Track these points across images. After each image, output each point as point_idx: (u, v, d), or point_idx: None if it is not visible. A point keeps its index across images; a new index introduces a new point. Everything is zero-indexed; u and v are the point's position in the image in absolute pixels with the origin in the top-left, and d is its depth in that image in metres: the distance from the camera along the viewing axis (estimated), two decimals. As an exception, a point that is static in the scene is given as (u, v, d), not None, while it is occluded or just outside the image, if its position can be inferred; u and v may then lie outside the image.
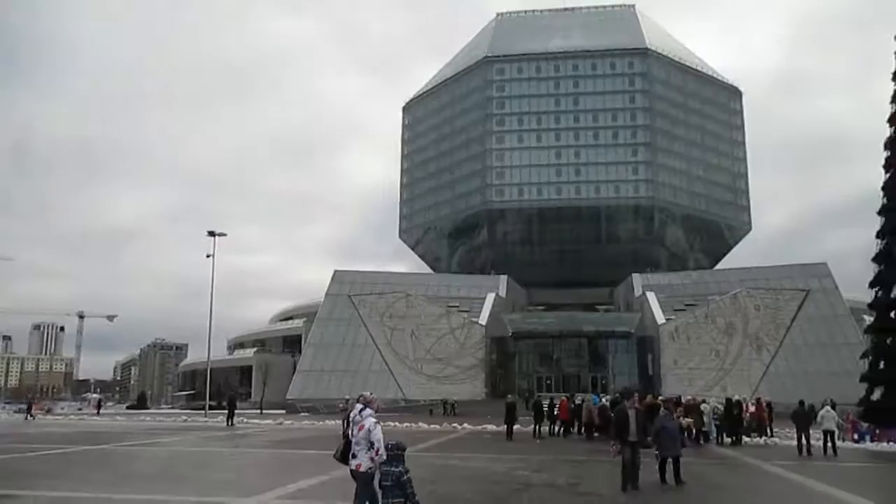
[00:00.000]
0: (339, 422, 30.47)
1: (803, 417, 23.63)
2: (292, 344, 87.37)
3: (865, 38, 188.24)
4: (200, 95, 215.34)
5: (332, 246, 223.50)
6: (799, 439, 23.20)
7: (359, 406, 8.85)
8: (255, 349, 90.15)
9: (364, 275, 75.91)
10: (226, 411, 40.94)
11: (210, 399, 57.84)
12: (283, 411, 58.87)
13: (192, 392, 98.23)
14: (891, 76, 32.03)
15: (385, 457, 8.37)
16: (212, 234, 52.29)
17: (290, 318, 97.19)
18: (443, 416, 47.43)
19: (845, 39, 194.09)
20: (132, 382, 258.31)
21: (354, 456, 8.57)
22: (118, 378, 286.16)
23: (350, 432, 8.74)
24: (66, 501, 12.44)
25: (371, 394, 9.31)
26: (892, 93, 31.87)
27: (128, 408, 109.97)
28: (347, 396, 32.78)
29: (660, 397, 33.85)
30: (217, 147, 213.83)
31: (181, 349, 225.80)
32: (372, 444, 8.38)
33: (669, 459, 14.54)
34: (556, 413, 31.74)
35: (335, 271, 74.24)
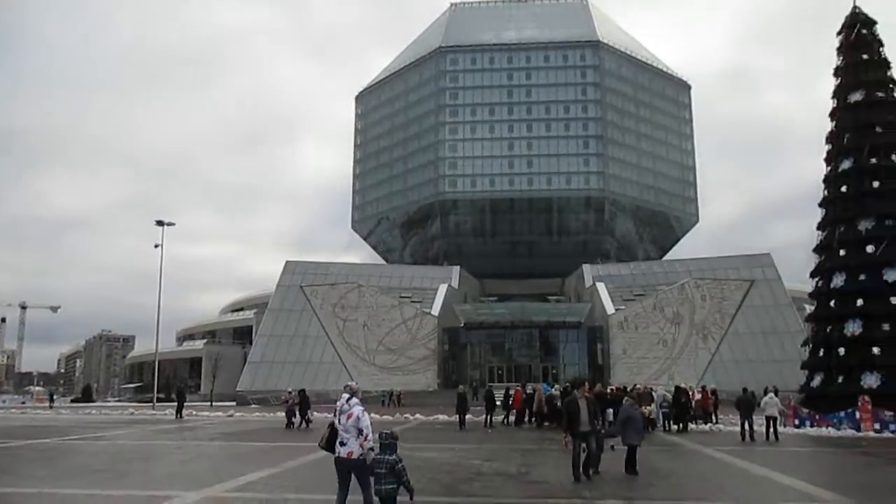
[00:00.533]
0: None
1: (747, 404, 24.27)
2: (243, 335, 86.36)
3: (810, 35, 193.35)
4: (148, 82, 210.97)
5: (285, 236, 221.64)
6: (742, 425, 23.81)
7: (346, 395, 9.02)
8: (204, 341, 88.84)
9: (316, 265, 75.28)
10: (174, 404, 40.27)
11: (158, 392, 56.80)
12: (234, 403, 58.11)
13: (139, 385, 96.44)
14: (832, 72, 32.89)
15: (372, 443, 8.60)
16: (160, 223, 51.27)
17: (241, 309, 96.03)
18: (387, 408, 47.38)
19: (791, 36, 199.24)
20: (77, 375, 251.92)
21: (343, 444, 8.73)
22: (62, 370, 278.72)
23: (337, 421, 8.88)
24: (7, 498, 12.06)
25: (356, 383, 9.49)
26: (833, 88, 32.72)
27: (72, 401, 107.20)
28: (290, 389, 32.59)
29: (609, 387, 34.48)
30: (166, 135, 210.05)
31: (128, 341, 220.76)
32: (361, 431, 8.60)
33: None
34: (510, 402, 31.97)
35: (287, 262, 73.47)
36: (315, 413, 41.37)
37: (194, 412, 42.96)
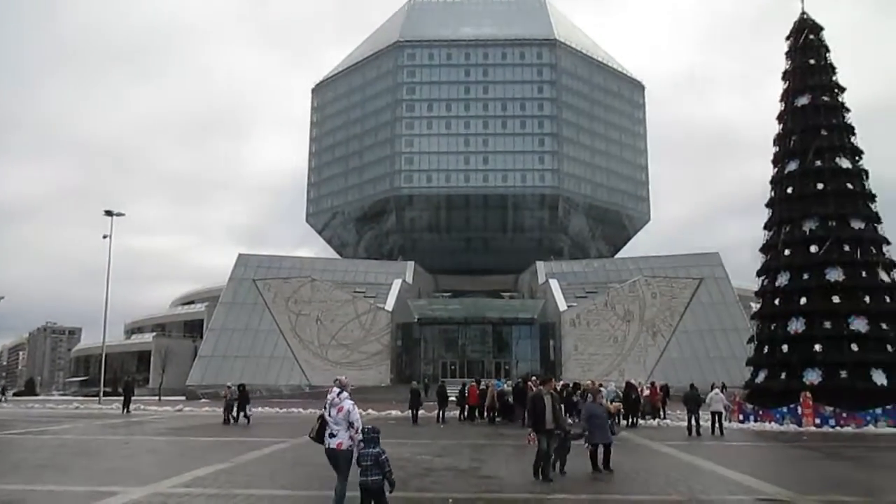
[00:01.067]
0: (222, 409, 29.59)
1: (693, 400, 24.80)
2: (193, 329, 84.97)
3: (761, 40, 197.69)
4: (98, 69, 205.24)
5: (238, 229, 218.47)
6: (689, 421, 24.30)
7: (336, 389, 9.47)
8: (154, 334, 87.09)
9: (269, 259, 74.49)
10: (121, 398, 39.47)
11: (105, 385, 55.54)
12: (183, 398, 57.18)
13: (85, 378, 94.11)
14: (781, 76, 33.71)
15: (362, 436, 9.01)
16: (109, 213, 50.14)
17: (192, 302, 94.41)
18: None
19: (742, 41, 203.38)
20: (20, 368, 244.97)
21: (333, 436, 9.22)
22: (4, 363, 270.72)
23: (328, 413, 9.30)
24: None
25: (345, 378, 10.04)
26: (781, 91, 33.54)
27: (15, 394, 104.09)
28: (230, 384, 32.10)
29: (560, 382, 34.87)
30: (116, 123, 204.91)
31: (74, 333, 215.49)
32: (351, 423, 9.13)
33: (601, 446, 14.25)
34: (465, 398, 32.04)
35: (239, 255, 72.51)
36: (266, 408, 41.23)
37: (142, 406, 42.13)
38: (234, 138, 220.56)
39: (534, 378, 34.49)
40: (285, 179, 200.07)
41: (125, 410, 37.11)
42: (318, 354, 64.13)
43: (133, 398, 40.03)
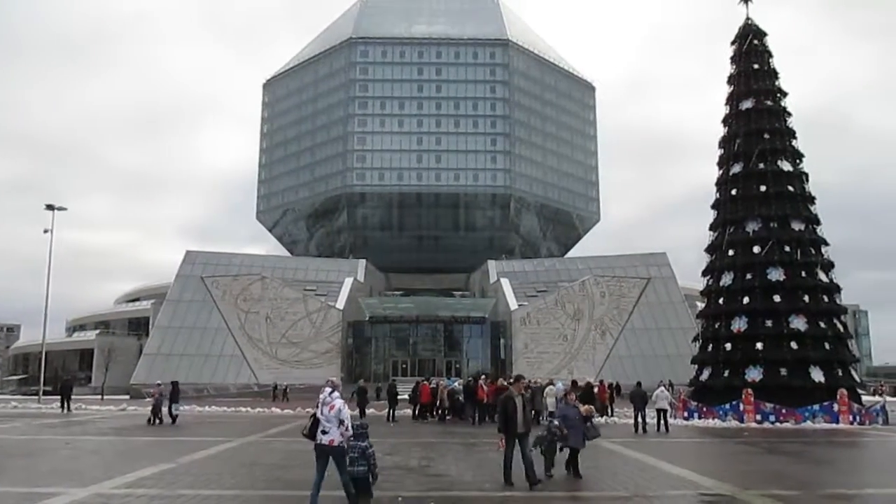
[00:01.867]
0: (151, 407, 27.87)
1: (640, 397, 25.23)
2: (139, 327, 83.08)
3: (707, 45, 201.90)
4: (42, 59, 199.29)
5: (187, 225, 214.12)
6: (636, 418, 24.71)
7: (328, 389, 10.06)
8: (97, 332, 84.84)
9: (218, 256, 73.31)
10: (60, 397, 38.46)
11: (45, 384, 53.97)
12: (127, 397, 55.87)
13: (24, 376, 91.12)
14: (726, 80, 34.50)
15: (352, 433, 9.84)
16: (50, 207, 48.60)
17: (137, 299, 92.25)
18: (273, 402, 46.72)
19: (690, 46, 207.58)
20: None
21: (325, 432, 9.80)
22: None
23: (320, 412, 9.93)
24: None
25: (337, 378, 10.73)
26: (726, 95, 34.33)
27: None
28: (159, 382, 31.50)
29: (509, 380, 35.11)
30: (60, 115, 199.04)
31: (13, 330, 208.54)
32: (342, 421, 9.76)
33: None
34: (418, 396, 31.94)
35: (187, 251, 71.22)
36: (214, 407, 40.54)
37: (84, 406, 41.03)
38: (184, 133, 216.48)
39: (484, 377, 34.70)
40: (236, 176, 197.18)
41: (64, 409, 36.12)
42: (267, 353, 63.43)
43: (74, 397, 39.04)
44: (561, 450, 13.47)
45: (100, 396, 58.50)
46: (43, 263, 49.24)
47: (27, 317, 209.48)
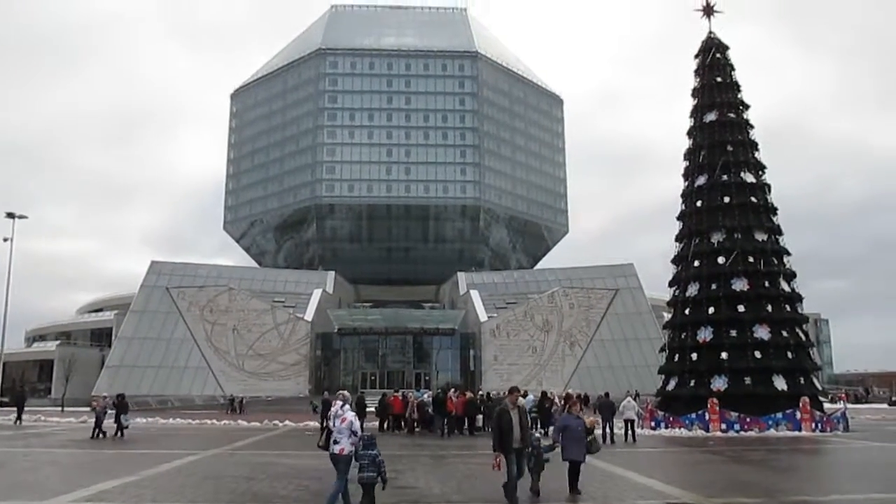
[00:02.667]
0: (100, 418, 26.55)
1: (607, 408, 25.37)
2: (101, 337, 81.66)
3: (672, 60, 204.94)
4: (5, 62, 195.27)
5: (154, 236, 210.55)
6: (604, 428, 24.81)
7: (339, 402, 11.11)
8: (58, 342, 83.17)
9: (184, 266, 72.47)
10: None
11: (3, 395, 52.76)
12: (88, 409, 54.75)
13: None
14: (690, 93, 35.02)
15: (361, 443, 10.65)
16: (10, 215, 47.75)
17: (100, 309, 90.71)
18: (228, 415, 46.22)
19: (654, 60, 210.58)
20: None
21: (336, 442, 10.60)
22: None
23: (332, 424, 10.85)
24: None
25: (347, 393, 11.80)
26: (691, 108, 34.83)
27: None
28: (105, 394, 31.24)
29: (479, 392, 35.16)
30: (22, 120, 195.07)
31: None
32: (354, 433, 10.59)
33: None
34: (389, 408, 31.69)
35: (152, 262, 70.28)
36: (178, 419, 39.91)
37: (42, 417, 40.23)
38: (152, 141, 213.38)
39: (453, 389, 34.60)
40: (205, 186, 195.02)
41: (18, 421, 35.21)
42: (234, 365, 62.76)
43: (33, 409, 38.33)
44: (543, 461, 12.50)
45: (60, 408, 57.35)
46: (1, 272, 48.09)
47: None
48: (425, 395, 32.50)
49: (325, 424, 28.74)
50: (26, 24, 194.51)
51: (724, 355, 29.87)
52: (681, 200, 34.51)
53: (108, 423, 26.78)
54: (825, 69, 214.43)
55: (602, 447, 12.61)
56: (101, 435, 25.87)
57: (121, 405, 27.09)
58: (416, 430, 29.65)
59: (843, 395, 55.18)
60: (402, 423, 30.69)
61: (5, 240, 47.63)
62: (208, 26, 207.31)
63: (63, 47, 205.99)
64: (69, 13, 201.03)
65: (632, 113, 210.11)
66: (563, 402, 29.65)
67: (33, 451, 22.30)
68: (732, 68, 34.44)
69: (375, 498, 10.64)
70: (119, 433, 26.31)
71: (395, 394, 32.97)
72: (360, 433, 10.67)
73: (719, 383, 29.46)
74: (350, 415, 10.73)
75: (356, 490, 10.68)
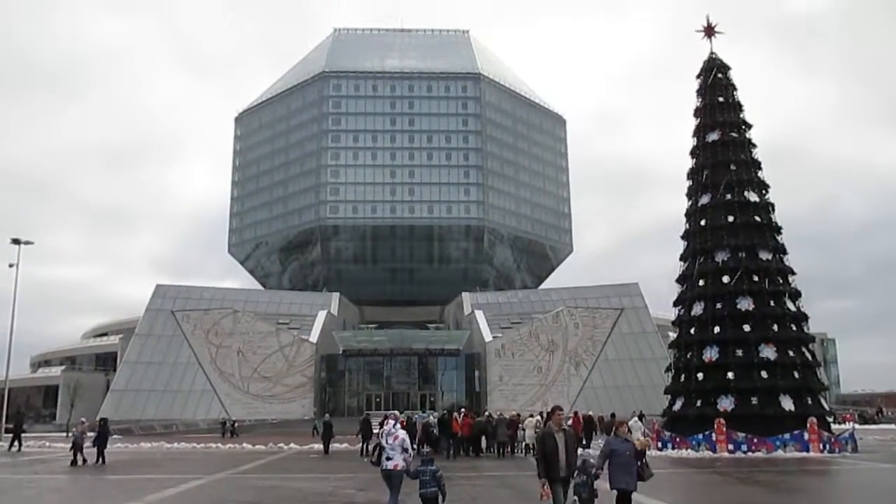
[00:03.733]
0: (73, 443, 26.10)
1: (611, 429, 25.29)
2: (106, 362, 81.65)
3: (670, 81, 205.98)
4: (13, 93, 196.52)
5: (159, 260, 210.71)
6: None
7: (391, 422, 11.89)
8: (63, 367, 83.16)
9: (189, 289, 72.47)
10: (23, 433, 37.42)
11: (7, 422, 52.65)
12: (93, 434, 54.61)
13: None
14: (693, 112, 35.15)
15: (419, 458, 11.61)
16: (16, 241, 47.96)
17: (105, 334, 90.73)
18: (221, 438, 46.06)
19: (657, 81, 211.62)
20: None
21: (389, 458, 11.32)
22: None
23: (384, 441, 11.54)
24: None
25: (401, 413, 14.62)
26: (693, 128, 34.95)
27: None
28: (83, 419, 30.26)
29: (485, 412, 35.02)
30: (29, 148, 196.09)
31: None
32: (405, 449, 11.32)
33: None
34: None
35: (157, 285, 70.34)
36: (183, 444, 39.79)
37: (48, 443, 40.14)
38: (158, 167, 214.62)
39: (462, 409, 34.46)
40: (210, 210, 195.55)
41: (14, 447, 34.52)
42: (239, 388, 62.62)
43: (38, 434, 37.97)
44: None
45: (65, 434, 57.23)
46: (6, 299, 48.24)
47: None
48: (431, 416, 32.39)
49: (364, 442, 28.93)
50: (32, 58, 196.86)
51: (730, 375, 29.70)
52: (685, 219, 34.52)
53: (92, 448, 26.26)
54: (824, 90, 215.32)
55: (649, 476, 10.83)
56: (81, 461, 25.30)
57: (102, 431, 26.42)
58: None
59: (848, 416, 54.60)
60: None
61: (11, 265, 47.86)
62: (211, 53, 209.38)
63: (67, 80, 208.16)
64: (75, 43, 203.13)
65: (632, 133, 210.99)
66: (545, 420, 29.34)
67: (38, 477, 22.29)
68: (734, 88, 34.57)
69: None
70: (100, 460, 25.61)
71: (402, 416, 32.82)
72: (410, 450, 11.46)
73: (726, 403, 29.27)
74: (402, 433, 11.49)
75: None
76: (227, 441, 42.49)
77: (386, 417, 12.57)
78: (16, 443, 35.27)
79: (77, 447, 25.69)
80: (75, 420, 62.02)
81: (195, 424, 56.75)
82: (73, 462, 25.28)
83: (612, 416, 26.79)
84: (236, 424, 50.75)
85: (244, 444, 36.93)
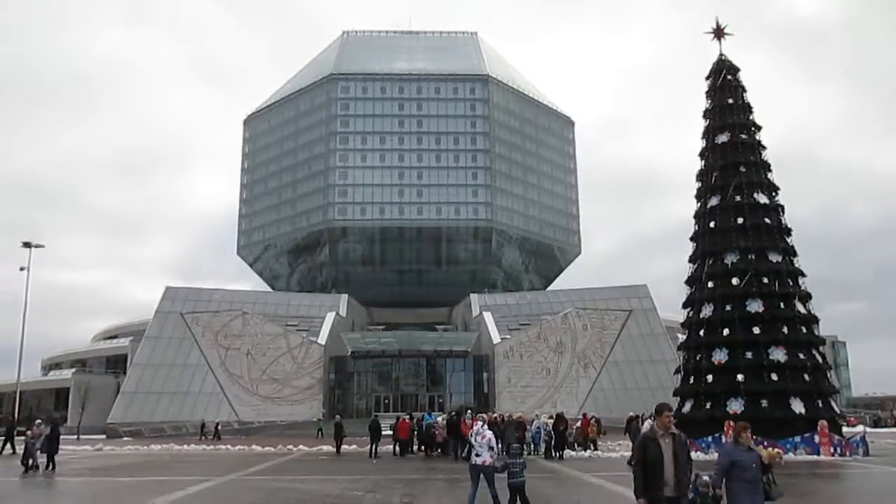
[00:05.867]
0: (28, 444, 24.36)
1: (637, 431, 25.28)
2: (116, 364, 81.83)
3: (678, 86, 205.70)
4: (27, 104, 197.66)
5: (170, 264, 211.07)
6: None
7: (480, 423, 13.63)
8: (73, 370, 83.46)
9: (198, 292, 72.66)
10: (21, 438, 37.27)
11: (18, 424, 52.93)
12: (104, 436, 54.94)
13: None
14: (702, 114, 35.06)
15: (507, 453, 13.08)
16: (27, 245, 48.25)
17: (115, 336, 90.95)
18: (200, 440, 46.17)
19: (660, 86, 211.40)
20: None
21: (478, 455, 12.79)
22: None
23: (473, 440, 13.18)
24: None
25: (490, 414, 17.29)
26: (702, 129, 34.85)
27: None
28: (40, 420, 28.34)
29: (493, 414, 34.94)
30: (44, 158, 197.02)
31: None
32: (492, 447, 12.87)
33: None
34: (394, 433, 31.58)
35: (166, 287, 70.52)
36: (192, 445, 39.89)
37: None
38: (170, 172, 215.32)
39: (469, 411, 34.41)
40: (220, 213, 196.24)
41: (6, 450, 33.80)
42: (248, 389, 62.71)
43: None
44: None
45: (76, 436, 57.51)
46: (18, 302, 48.52)
47: (0, 356, 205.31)
48: (440, 418, 32.34)
49: (373, 444, 28.97)
50: (47, 71, 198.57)
51: (739, 377, 29.61)
52: (694, 221, 34.44)
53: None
54: (830, 95, 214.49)
55: (778, 496, 8.72)
56: (33, 467, 23.75)
57: (52, 435, 24.57)
58: (435, 453, 29.58)
59: (853, 420, 53.79)
60: (410, 448, 30.66)
61: (22, 269, 48.13)
62: (221, 60, 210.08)
63: (80, 91, 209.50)
64: (85, 52, 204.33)
65: (639, 137, 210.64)
66: (553, 424, 29.20)
67: (48, 480, 22.36)
68: (744, 90, 34.48)
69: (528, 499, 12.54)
70: (50, 466, 24.06)
71: (405, 417, 32.82)
72: (496, 447, 13.13)
73: (735, 406, 29.19)
74: (489, 433, 13.04)
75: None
76: (207, 443, 42.58)
77: (475, 419, 14.95)
78: (8, 445, 34.73)
79: (29, 453, 24.00)
80: (86, 422, 62.64)
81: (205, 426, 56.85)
82: (25, 469, 23.66)
83: (639, 417, 26.61)
84: (219, 426, 50.46)
85: (253, 446, 37.01)
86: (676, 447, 7.83)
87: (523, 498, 12.46)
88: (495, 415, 34.76)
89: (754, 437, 26.50)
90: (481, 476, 12.69)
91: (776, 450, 9.49)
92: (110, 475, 23.33)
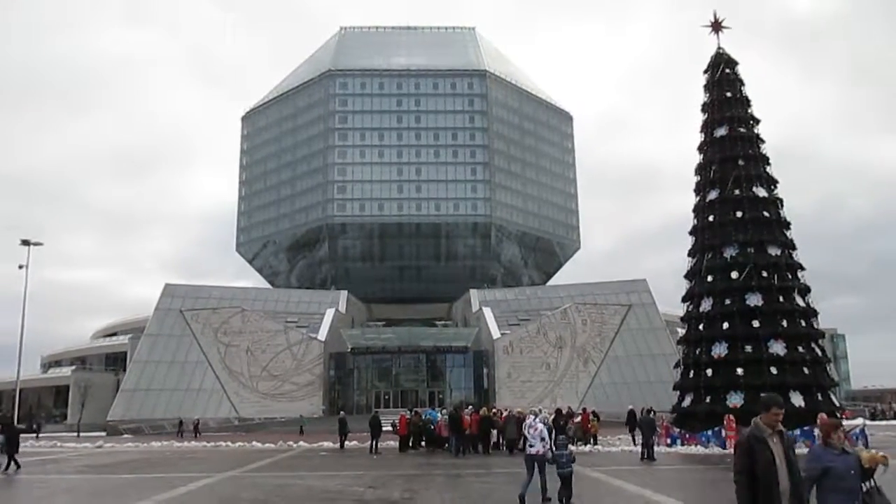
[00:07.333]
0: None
1: (648, 425, 25.42)
2: (116, 362, 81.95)
3: (675, 81, 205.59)
4: (26, 101, 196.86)
5: (170, 262, 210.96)
6: (643, 445, 24.83)
7: (532, 417, 15.08)
8: (73, 367, 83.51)
9: (197, 289, 72.66)
10: (32, 435, 37.40)
11: (19, 422, 52.97)
12: (104, 433, 54.99)
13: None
14: (700, 108, 34.97)
15: (555, 445, 14.25)
16: (26, 242, 48.17)
17: (115, 334, 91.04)
18: (176, 437, 46.16)
19: (657, 82, 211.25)
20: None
21: (531, 446, 13.93)
22: None
23: (526, 432, 14.42)
24: None
25: (540, 409, 17.98)
26: (701, 123, 34.77)
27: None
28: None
29: (493, 409, 34.93)
30: (44, 156, 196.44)
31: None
32: (543, 438, 13.92)
33: None
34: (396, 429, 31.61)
35: (166, 285, 70.51)
36: (193, 442, 39.92)
37: (58, 443, 40.32)
38: (169, 170, 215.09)
39: (470, 406, 34.39)
40: (219, 210, 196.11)
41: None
42: (247, 386, 62.76)
43: (49, 434, 37.84)
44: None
45: (76, 433, 57.59)
46: (17, 300, 48.49)
47: (0, 354, 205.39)
48: (439, 414, 32.31)
49: (374, 440, 29.02)
50: (48, 69, 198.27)
51: (739, 371, 29.56)
52: (693, 215, 34.34)
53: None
54: (827, 90, 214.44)
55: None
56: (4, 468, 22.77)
57: (11, 434, 23.80)
58: (440, 449, 29.60)
59: (848, 413, 53.42)
60: (409, 443, 30.68)
61: (20, 267, 48.07)
62: (219, 58, 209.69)
63: (79, 89, 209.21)
64: (84, 51, 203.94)
65: (638, 133, 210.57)
66: (555, 420, 29.20)
67: (48, 477, 22.39)
68: (742, 83, 34.34)
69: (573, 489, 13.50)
70: (13, 465, 23.09)
71: (405, 413, 32.80)
72: (548, 439, 14.17)
73: (735, 399, 29.16)
74: (540, 426, 14.20)
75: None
76: (188, 440, 42.61)
77: (528, 413, 16.67)
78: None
79: None
80: (86, 420, 62.68)
81: (205, 423, 56.90)
82: None
83: (650, 411, 26.63)
84: (199, 423, 50.42)
85: (254, 443, 37.05)
86: (787, 451, 6.34)
87: (569, 487, 13.37)
88: (495, 410, 34.78)
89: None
90: (535, 465, 13.72)
91: (873, 453, 7.34)
92: (111, 472, 23.34)
